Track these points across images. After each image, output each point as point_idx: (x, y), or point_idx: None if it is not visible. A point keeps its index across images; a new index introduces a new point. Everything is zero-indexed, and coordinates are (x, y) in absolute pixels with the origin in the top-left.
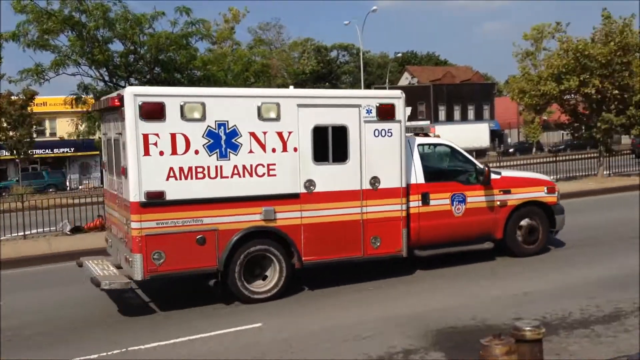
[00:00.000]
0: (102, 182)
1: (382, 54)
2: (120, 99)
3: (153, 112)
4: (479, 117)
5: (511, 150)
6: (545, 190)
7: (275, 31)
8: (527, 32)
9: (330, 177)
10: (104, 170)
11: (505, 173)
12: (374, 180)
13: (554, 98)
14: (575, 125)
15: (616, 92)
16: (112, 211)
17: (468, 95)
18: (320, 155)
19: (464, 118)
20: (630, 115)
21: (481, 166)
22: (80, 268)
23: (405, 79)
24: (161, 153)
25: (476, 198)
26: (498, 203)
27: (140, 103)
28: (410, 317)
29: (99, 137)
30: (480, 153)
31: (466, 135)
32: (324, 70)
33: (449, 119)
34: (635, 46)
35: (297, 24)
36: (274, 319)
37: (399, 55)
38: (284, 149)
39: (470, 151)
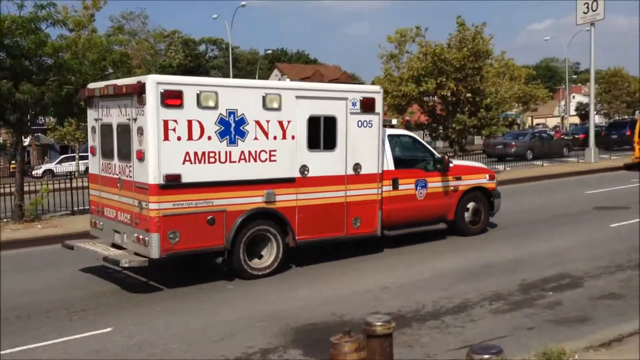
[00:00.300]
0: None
1: (252, 50)
2: (142, 85)
3: (173, 99)
4: None
5: None
6: (487, 177)
7: (140, 21)
8: (391, 35)
9: (321, 163)
10: (91, 155)
11: (456, 162)
12: (357, 166)
13: (414, 99)
14: (433, 126)
15: (469, 95)
16: (110, 195)
17: None
18: (313, 142)
19: None
20: (481, 117)
21: (438, 155)
22: (71, 250)
23: (275, 76)
24: (179, 138)
25: (435, 184)
26: (452, 188)
27: (162, 90)
28: (271, 314)
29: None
30: None
31: None
32: (192, 64)
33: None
34: (485, 53)
35: (164, 16)
36: (126, 322)
37: (269, 52)
38: (284, 137)
39: None
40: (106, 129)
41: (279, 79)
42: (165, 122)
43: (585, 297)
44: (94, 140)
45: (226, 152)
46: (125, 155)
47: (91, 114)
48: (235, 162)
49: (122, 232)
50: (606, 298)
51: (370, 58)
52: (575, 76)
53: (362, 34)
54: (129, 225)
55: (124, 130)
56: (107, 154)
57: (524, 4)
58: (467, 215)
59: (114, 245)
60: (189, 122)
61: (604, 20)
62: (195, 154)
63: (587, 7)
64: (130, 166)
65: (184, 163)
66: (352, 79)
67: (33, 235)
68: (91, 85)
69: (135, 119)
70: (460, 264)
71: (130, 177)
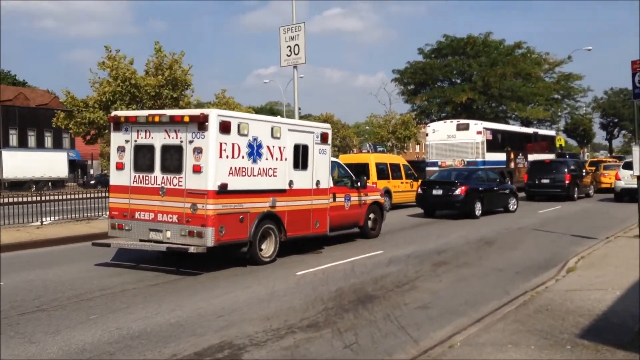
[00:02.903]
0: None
1: None
2: (206, 117)
3: (226, 128)
4: (57, 145)
5: (92, 182)
6: (380, 195)
7: None
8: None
9: (300, 178)
10: (118, 169)
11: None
12: (318, 182)
13: (103, 127)
14: None
15: None
16: (147, 201)
17: (46, 120)
18: (296, 163)
19: (41, 145)
20: None
21: (354, 177)
22: (109, 248)
23: None
24: (227, 157)
25: (354, 198)
26: (363, 202)
27: (220, 121)
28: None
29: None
30: (57, 184)
31: (42, 164)
32: None
33: (23, 145)
34: (183, 82)
35: None
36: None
37: None
38: (281, 158)
39: (46, 181)
40: (143, 148)
41: None
42: (221, 144)
43: None
44: (121, 158)
45: (251, 168)
46: (173, 169)
47: (120, 136)
48: (256, 175)
49: (164, 230)
50: None
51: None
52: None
53: (86, 60)
54: (177, 223)
55: (173, 149)
56: (143, 168)
57: (254, 50)
58: (370, 222)
59: (143, 241)
60: (233, 145)
61: (323, 72)
62: (235, 168)
63: (290, 51)
64: (180, 177)
65: (228, 175)
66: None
67: None
68: (125, 113)
69: (191, 141)
70: (106, 333)
71: (181, 185)
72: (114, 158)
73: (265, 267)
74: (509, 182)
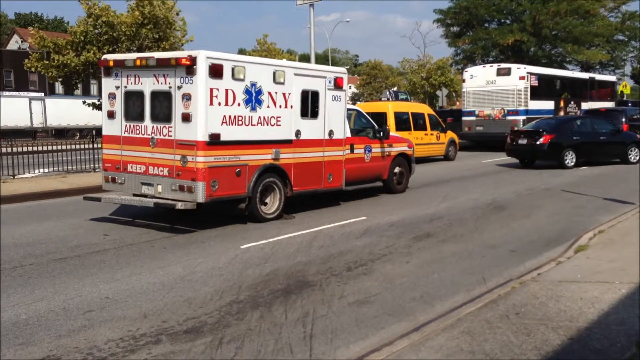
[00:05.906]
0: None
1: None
2: (193, 59)
3: (217, 71)
4: (86, 93)
5: None
6: (407, 146)
7: None
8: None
9: (309, 128)
10: (109, 118)
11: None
12: (330, 132)
13: (77, 72)
14: None
15: None
16: (138, 152)
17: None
18: (304, 112)
19: (86, 93)
20: None
21: (377, 127)
22: (99, 202)
23: (15, 43)
24: (219, 104)
25: (376, 149)
26: (387, 153)
27: (210, 64)
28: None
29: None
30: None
31: (86, 111)
32: None
33: (69, 93)
34: (166, 21)
35: None
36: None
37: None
38: (286, 106)
39: (90, 129)
40: (133, 95)
41: (19, 47)
42: (211, 90)
43: None
44: (112, 106)
45: (249, 117)
46: (162, 118)
47: (110, 82)
48: (255, 125)
49: (155, 184)
50: None
51: None
52: (355, 67)
53: None
54: (168, 177)
55: (162, 96)
56: (133, 116)
57: None
58: (395, 176)
59: (136, 195)
60: (226, 91)
61: (385, 19)
62: (229, 117)
63: None
64: (170, 127)
65: (221, 124)
66: None
67: None
68: (114, 56)
69: (180, 87)
70: None
71: (171, 136)
72: (106, 106)
73: (213, 238)
74: None
